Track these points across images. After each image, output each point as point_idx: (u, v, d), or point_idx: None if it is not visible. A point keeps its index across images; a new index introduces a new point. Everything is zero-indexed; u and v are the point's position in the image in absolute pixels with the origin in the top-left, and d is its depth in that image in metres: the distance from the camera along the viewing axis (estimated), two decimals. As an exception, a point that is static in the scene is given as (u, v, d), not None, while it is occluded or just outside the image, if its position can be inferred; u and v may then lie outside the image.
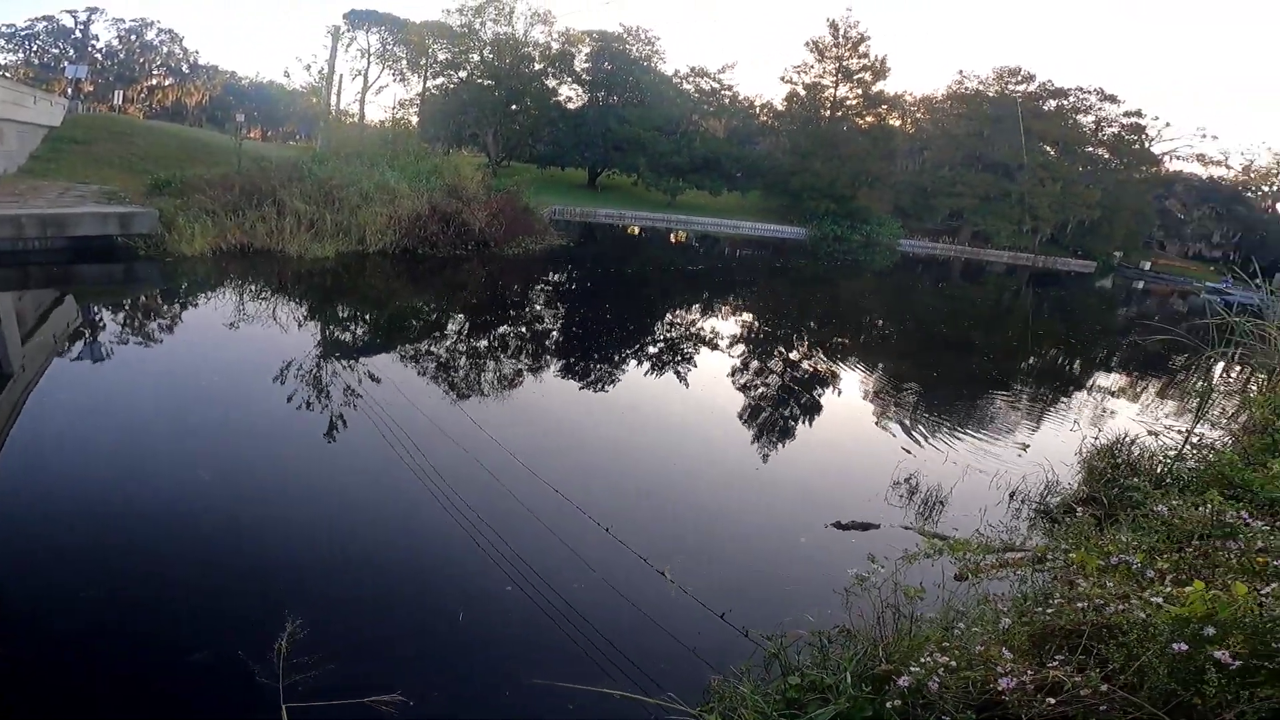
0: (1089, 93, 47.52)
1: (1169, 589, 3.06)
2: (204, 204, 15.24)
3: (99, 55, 56.57)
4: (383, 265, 16.41)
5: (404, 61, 45.16)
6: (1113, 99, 47.58)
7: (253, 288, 13.26)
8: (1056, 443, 8.78)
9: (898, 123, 50.62)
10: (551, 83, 46.61)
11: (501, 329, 12.99)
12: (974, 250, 46.19)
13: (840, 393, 11.04)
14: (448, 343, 11.47)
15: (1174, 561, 3.79)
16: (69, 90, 37.85)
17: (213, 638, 3.83)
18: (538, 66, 44.81)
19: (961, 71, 52.20)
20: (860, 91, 46.55)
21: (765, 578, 5.22)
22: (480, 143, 45.05)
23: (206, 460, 6.09)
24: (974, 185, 45.31)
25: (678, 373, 11.00)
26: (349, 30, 43.05)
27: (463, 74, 44.64)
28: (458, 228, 18.77)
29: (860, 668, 3.05)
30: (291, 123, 59.77)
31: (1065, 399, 12.56)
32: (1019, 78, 47.37)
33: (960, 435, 9.13)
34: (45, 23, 54.55)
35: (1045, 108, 46.54)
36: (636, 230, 37.32)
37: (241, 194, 15.92)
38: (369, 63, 44.59)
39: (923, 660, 2.77)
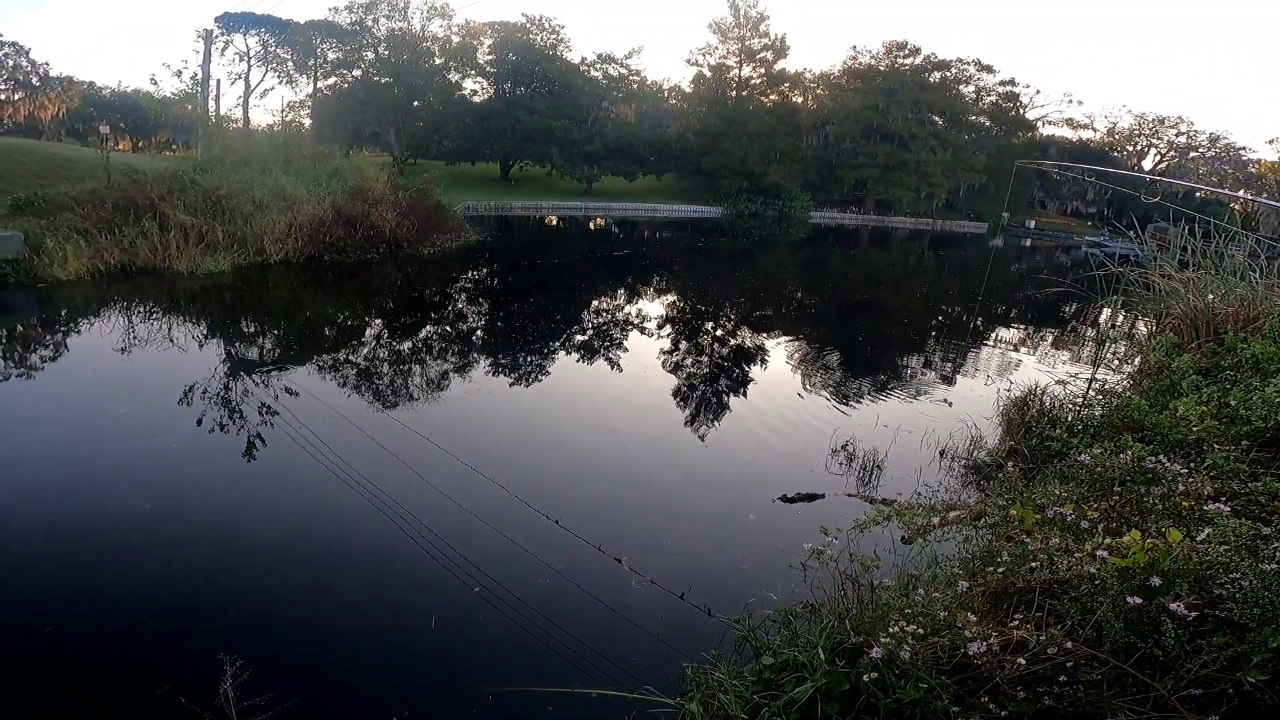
0: (968, 64, 50.44)
1: (1106, 539, 3.20)
2: (74, 223, 13.85)
3: None
4: (287, 275, 15.45)
5: (290, 63, 42.62)
6: (989, 69, 50.85)
7: (142, 309, 12.18)
8: (975, 397, 9.25)
9: (800, 100, 52.07)
10: (454, 77, 45.32)
11: (424, 331, 12.51)
12: (879, 218, 48.46)
13: (769, 365, 11.26)
14: (368, 349, 10.93)
15: (1104, 510, 4.00)
16: (-101, 111, 33.67)
17: (152, 687, 3.50)
18: (438, 61, 43.41)
19: (855, 47, 54.39)
20: (763, 71, 47.61)
21: (721, 558, 5.23)
22: (383, 142, 43.29)
23: (119, 497, 5.56)
24: (874, 156, 47.35)
25: (609, 359, 10.94)
26: (223, 34, 40.16)
27: (357, 73, 42.84)
28: (366, 231, 17.89)
29: (830, 642, 3.08)
30: (164, 131, 55.38)
31: (976, 353, 13.30)
32: (906, 51, 49.62)
33: (887, 397, 9.49)
34: None
35: (931, 79, 49.01)
36: (555, 220, 36.84)
37: (115, 210, 14.57)
38: (249, 66, 41.85)
39: (891, 630, 2.82)
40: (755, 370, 11.00)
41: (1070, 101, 76.83)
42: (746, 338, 13.30)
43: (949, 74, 49.88)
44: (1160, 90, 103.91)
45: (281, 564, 4.85)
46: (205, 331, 11.32)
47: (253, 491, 5.95)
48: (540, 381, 9.72)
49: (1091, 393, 6.96)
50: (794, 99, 50.83)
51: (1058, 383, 7.76)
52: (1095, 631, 2.65)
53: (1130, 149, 62.17)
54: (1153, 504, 3.86)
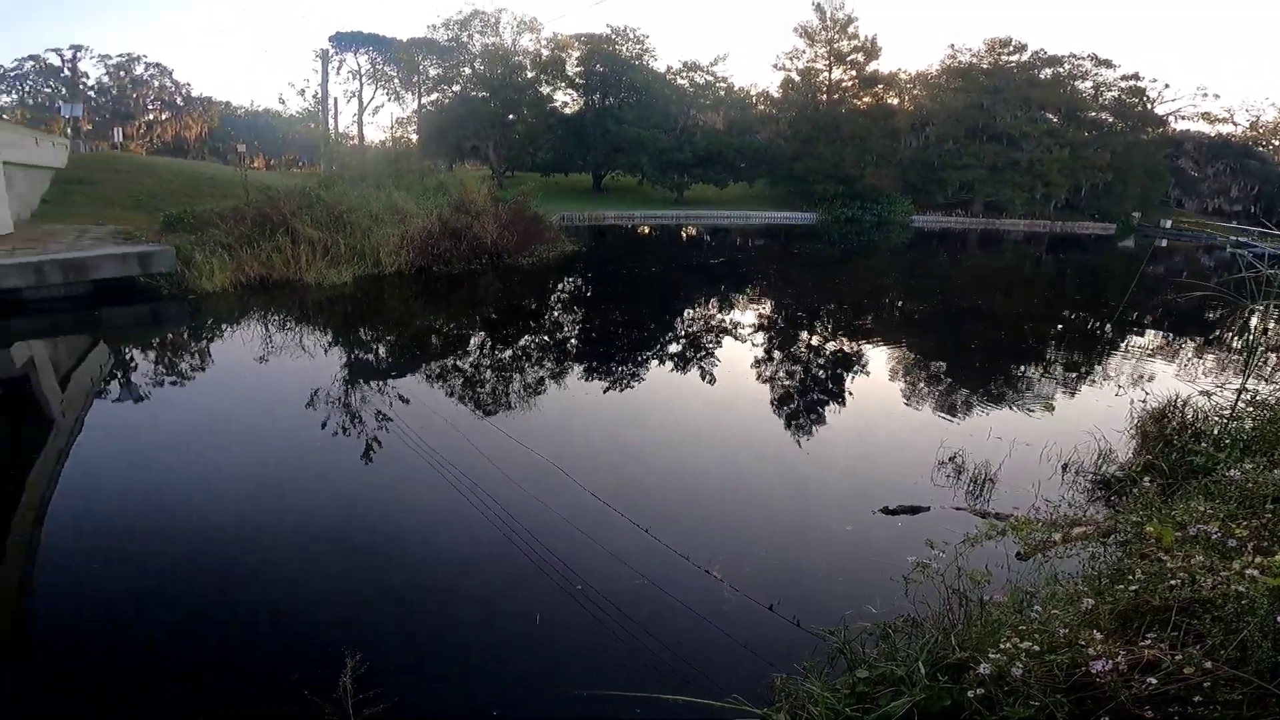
0: (1082, 59, 47.25)
1: (1260, 559, 2.95)
2: (219, 238, 15.38)
3: (92, 93, 56.82)
4: (400, 286, 16.46)
5: (396, 80, 45.44)
6: (1107, 64, 47.39)
7: (277, 319, 13.35)
8: (1104, 409, 8.58)
9: (896, 101, 50.33)
10: (546, 89, 46.81)
11: (525, 339, 12.97)
12: (988, 221, 45.87)
13: (871, 373, 10.90)
14: (473, 357, 11.46)
15: (1254, 529, 3.67)
16: (67, 130, 38.37)
17: (278, 679, 3.80)
18: (530, 74, 45.00)
19: (953, 46, 51.76)
20: (854, 73, 46.46)
21: (816, 569, 5.13)
22: (482, 155, 45.30)
23: (249, 494, 6.12)
24: (981, 156, 45.00)
25: (703, 367, 10.93)
26: (337, 53, 43.38)
27: (456, 88, 44.94)
28: (470, 242, 18.81)
29: (932, 657, 2.97)
30: (292, 150, 60.31)
31: (1106, 363, 12.33)
32: (1011, 48, 47.04)
33: (1002, 408, 8.98)
34: (32, 62, 54.93)
35: (1042, 76, 46.20)
36: (646, 229, 37.25)
37: (254, 225, 16.05)
38: (361, 84, 45.02)
39: (1003, 646, 2.69)
40: (855, 379, 10.69)
41: (1205, 95, 69.71)
42: (846, 345, 12.94)
43: (1061, 70, 46.82)
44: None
45: (395, 562, 5.13)
46: (330, 340, 12.25)
47: (370, 493, 6.35)
48: (635, 389, 9.85)
49: (1241, 404, 6.32)
50: (889, 100, 49.20)
51: (1201, 394, 7.08)
52: (1239, 652, 2.46)
53: (1277, 143, 55.90)
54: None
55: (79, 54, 55.68)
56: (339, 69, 43.62)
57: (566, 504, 5.85)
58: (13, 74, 54.37)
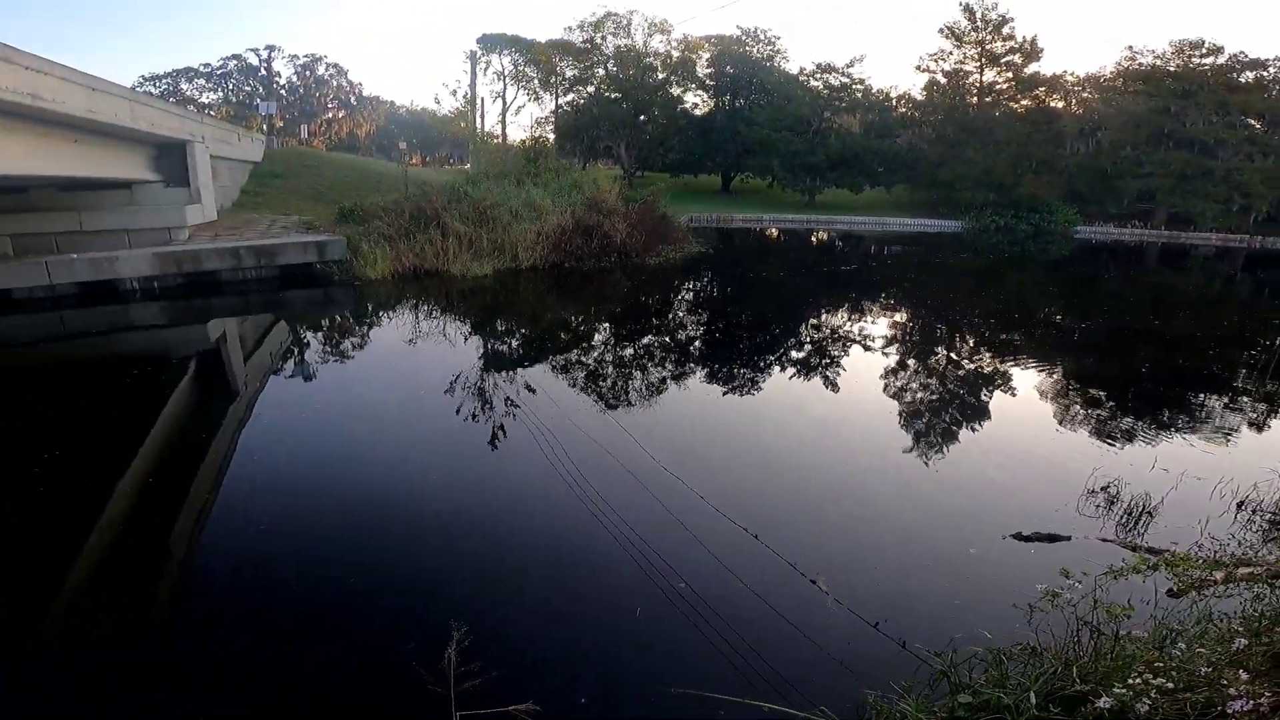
0: (1292, 61, 40.75)
1: None
2: (381, 229, 16.98)
3: (283, 91, 63.20)
4: (534, 281, 17.36)
5: (535, 81, 47.56)
6: None
7: (425, 307, 14.56)
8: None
9: (1061, 104, 46.13)
10: (676, 91, 47.24)
11: (648, 338, 13.26)
12: (1171, 234, 40.88)
13: (1016, 393, 10.15)
14: (597, 353, 11.89)
15: None
16: (264, 127, 43.49)
17: (393, 642, 4.20)
18: (661, 76, 45.54)
19: (1131, 47, 46.52)
20: (1010, 75, 43.17)
21: (929, 591, 4.90)
22: (614, 155, 46.46)
23: (390, 469, 6.75)
24: (1165, 164, 40.19)
25: (827, 376, 10.67)
26: (484, 54, 46.05)
27: (590, 89, 46.33)
28: (600, 240, 19.47)
29: (1047, 687, 2.82)
30: (445, 147, 64.81)
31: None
32: (1203, 50, 41.49)
33: (1172, 438, 8.10)
34: (235, 61, 62.03)
35: (1242, 79, 40.51)
36: (775, 233, 36.67)
37: (410, 219, 17.57)
38: (505, 84, 47.54)
39: (1130, 681, 2.54)
40: (998, 398, 10.01)
41: None
42: (989, 362, 12.11)
43: (1266, 74, 40.85)
44: None
45: (508, 544, 5.47)
46: (470, 329, 13.20)
47: (492, 476, 6.80)
48: (754, 394, 9.81)
49: None
50: (1052, 103, 45.17)
51: None
52: None
53: None
54: None
55: (273, 54, 62.73)
56: (485, 70, 46.33)
57: (677, 503, 5.97)
58: (219, 72, 61.98)
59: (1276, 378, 11.45)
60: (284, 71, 64.34)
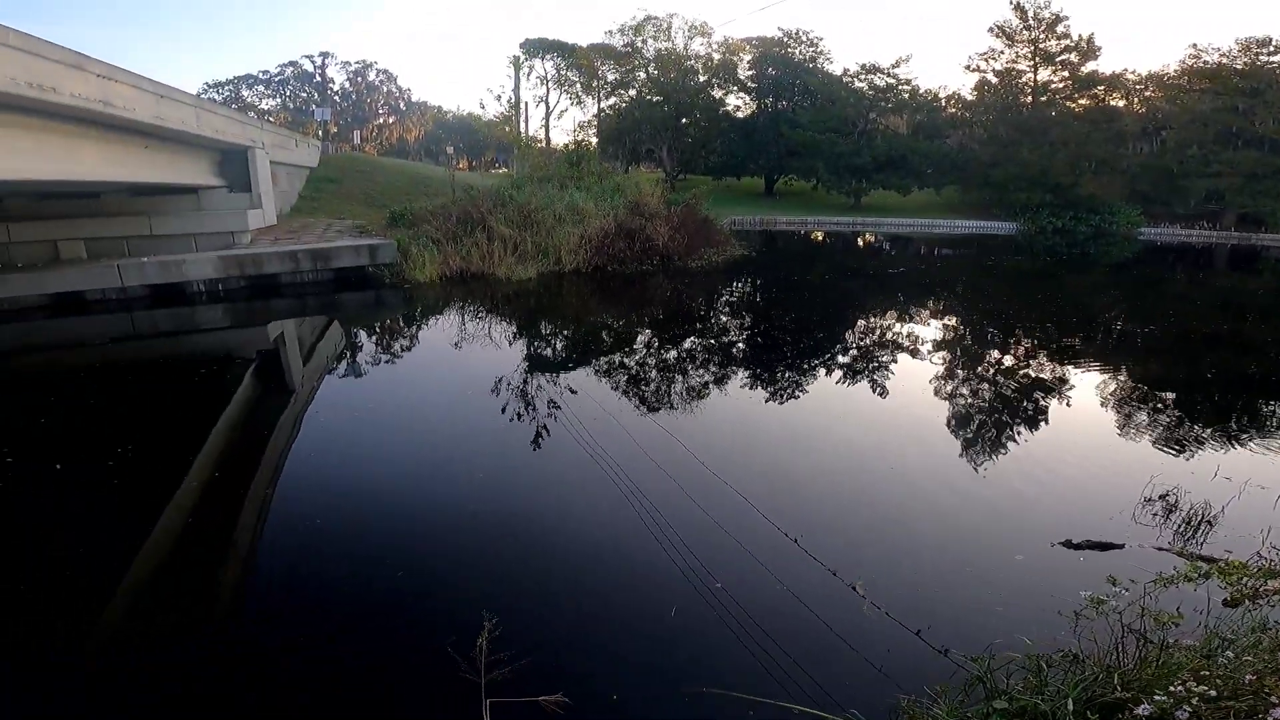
0: (1368, 57, 38.39)
1: None
2: (430, 233, 17.39)
3: (336, 98, 65.03)
4: (577, 284, 17.55)
5: (578, 85, 48.01)
6: None
7: (472, 310, 14.88)
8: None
9: (1122, 103, 44.46)
10: (718, 93, 47.16)
11: (690, 341, 13.29)
12: (1242, 235, 39.02)
13: (1073, 399, 9.83)
14: (639, 355, 11.97)
15: None
16: (319, 132, 44.92)
17: (433, 631, 4.35)
18: (702, 78, 45.56)
19: (1196, 45, 44.56)
20: (1066, 74, 41.96)
21: (970, 597, 4.79)
22: (656, 158, 46.60)
23: (437, 465, 6.97)
24: (1235, 164, 38.40)
25: (873, 380, 10.52)
26: (526, 59, 46.67)
27: (632, 92, 46.64)
28: (642, 243, 19.55)
29: (1086, 695, 2.74)
30: (490, 151, 65.93)
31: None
32: (1271, 48, 39.49)
33: (1237, 447, 7.76)
34: (292, 68, 64.13)
35: (1316, 77, 38.39)
36: (820, 236, 36.24)
37: (458, 223, 17.95)
38: (548, 88, 48.13)
39: (1172, 689, 2.48)
40: (1054, 404, 9.71)
41: None
42: (1044, 367, 11.74)
43: None
44: None
45: (549, 540, 5.57)
46: (515, 331, 13.43)
47: (533, 473, 6.91)
48: (797, 397, 9.74)
49: None
50: (1112, 103, 43.56)
51: None
52: None
53: None
54: None
55: (327, 61, 64.74)
56: (529, 74, 46.99)
57: (717, 506, 5.99)
58: (277, 79, 64.24)
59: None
60: (337, 78, 66.47)
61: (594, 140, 45.98)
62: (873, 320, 15.96)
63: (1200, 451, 7.64)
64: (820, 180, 43.33)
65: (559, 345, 12.92)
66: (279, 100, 64.40)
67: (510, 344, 12.37)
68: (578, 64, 46.32)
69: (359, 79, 67.22)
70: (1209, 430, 8.48)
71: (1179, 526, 5.64)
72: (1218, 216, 40.59)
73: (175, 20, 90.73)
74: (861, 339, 13.67)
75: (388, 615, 4.62)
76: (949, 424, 8.75)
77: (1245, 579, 4.35)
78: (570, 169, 23.38)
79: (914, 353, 12.27)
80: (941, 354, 12.39)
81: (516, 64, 44.54)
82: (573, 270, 18.21)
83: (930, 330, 14.70)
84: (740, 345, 13.01)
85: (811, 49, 45.95)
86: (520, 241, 17.80)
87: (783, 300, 18.22)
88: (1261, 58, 39.91)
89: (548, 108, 48.55)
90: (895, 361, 11.66)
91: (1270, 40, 39.92)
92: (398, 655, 4.23)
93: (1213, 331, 15.53)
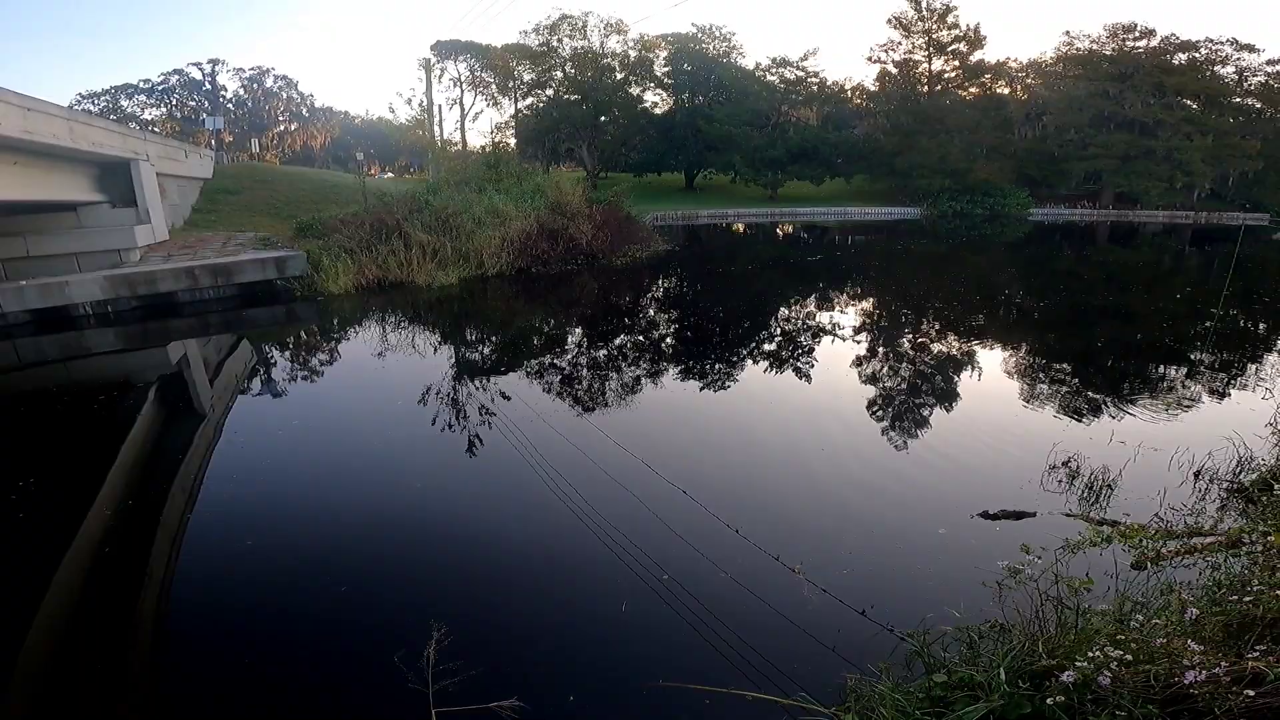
0: (1221, 43, 43.05)
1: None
2: (342, 243, 16.68)
3: (230, 105, 61.63)
4: (501, 287, 17.25)
5: (493, 86, 47.24)
6: (1250, 48, 42.99)
7: (392, 319, 14.36)
8: (1249, 413, 7.86)
9: (1007, 90, 47.55)
10: (635, 90, 47.48)
11: (620, 338, 13.28)
12: (1120, 212, 42.46)
13: (982, 374, 10.41)
14: (569, 356, 11.87)
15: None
16: (212, 142, 42.34)
17: (368, 644, 4.23)
18: (619, 76, 45.66)
19: (1068, 32, 48.33)
20: (957, 63, 44.54)
21: (903, 573, 5.01)
22: (576, 157, 46.41)
23: (364, 480, 6.69)
24: (1110, 146, 41.75)
25: (799, 366, 10.82)
26: (438, 61, 45.58)
27: (549, 92, 46.29)
28: (566, 243, 19.43)
29: (1016, 663, 2.90)
30: (404, 156, 63.93)
31: (1257, 364, 11.17)
32: (1136, 33, 43.27)
33: (1129, 412, 8.37)
34: (177, 76, 60.28)
35: (1175, 61, 42.32)
36: (741, 228, 36.98)
37: (372, 230, 17.29)
38: (462, 91, 47.13)
39: (1091, 654, 2.61)
40: (963, 380, 10.26)
41: None
42: (954, 345, 12.40)
43: (1198, 55, 42.74)
44: None
45: (491, 548, 5.47)
46: (439, 339, 13.06)
47: (471, 482, 6.75)
48: (728, 388, 9.89)
49: None
50: (998, 90, 46.51)
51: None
52: None
53: None
54: None
55: (217, 67, 61.08)
56: (441, 77, 45.85)
57: (659, 500, 6.00)
58: (160, 87, 60.08)
59: (1225, 348, 11.94)
60: (230, 85, 62.90)
61: (512, 141, 45.36)
62: (796, 308, 16.42)
63: (1096, 418, 8.18)
64: (738, 173, 44.28)
65: (487, 350, 12.66)
66: (164, 110, 60.40)
67: (436, 352, 12.03)
68: (492, 65, 45.51)
69: (255, 85, 63.78)
70: (1103, 397, 9.14)
71: (1082, 492, 6.00)
72: (1097, 196, 44.04)
73: (40, 30, 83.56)
74: (786, 327, 14.04)
75: (328, 633, 4.44)
76: (872, 405, 9.08)
77: (1145, 541, 4.65)
78: (489, 171, 22.96)
79: (836, 337, 12.70)
80: (861, 337, 12.88)
81: (428, 66, 43.32)
82: (496, 274, 17.89)
83: (849, 315, 15.27)
84: (670, 339, 13.10)
85: (725, 44, 46.88)
86: (439, 247, 17.33)
87: (709, 293, 18.49)
88: (1128, 43, 43.48)
89: (463, 110, 47.55)
90: (819, 347, 12.04)
91: (1135, 26, 43.59)
92: (340, 672, 4.08)
93: (1100, 304, 16.82)
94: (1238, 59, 43.13)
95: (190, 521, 5.89)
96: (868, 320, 14.75)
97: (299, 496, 6.38)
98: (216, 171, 25.78)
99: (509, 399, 9.04)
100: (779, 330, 13.70)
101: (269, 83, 64.29)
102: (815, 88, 46.83)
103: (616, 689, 3.94)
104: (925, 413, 8.80)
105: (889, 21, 45.42)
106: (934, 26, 44.11)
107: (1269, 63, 42.98)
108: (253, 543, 5.45)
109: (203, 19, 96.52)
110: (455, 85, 46.74)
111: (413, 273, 16.50)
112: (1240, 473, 6.02)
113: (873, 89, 48.37)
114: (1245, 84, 43.52)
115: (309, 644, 4.37)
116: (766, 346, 12.27)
